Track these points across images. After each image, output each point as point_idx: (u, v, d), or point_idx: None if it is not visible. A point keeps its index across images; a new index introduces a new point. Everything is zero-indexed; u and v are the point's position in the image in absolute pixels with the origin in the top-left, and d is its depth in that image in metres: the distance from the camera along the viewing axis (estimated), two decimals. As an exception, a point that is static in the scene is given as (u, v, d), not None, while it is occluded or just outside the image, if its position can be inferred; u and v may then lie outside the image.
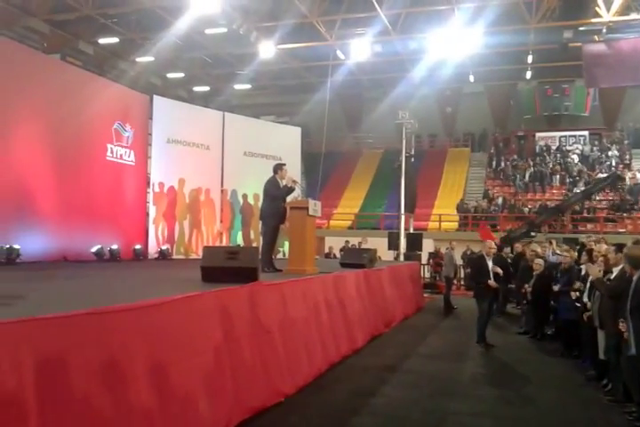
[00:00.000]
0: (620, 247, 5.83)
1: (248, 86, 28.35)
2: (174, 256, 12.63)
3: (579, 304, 7.07)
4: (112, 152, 11.60)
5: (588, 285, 6.62)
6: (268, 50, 20.63)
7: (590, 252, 7.51)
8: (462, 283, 18.22)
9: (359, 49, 20.92)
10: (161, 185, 12.59)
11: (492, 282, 8.56)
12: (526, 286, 9.52)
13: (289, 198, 8.38)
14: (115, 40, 22.47)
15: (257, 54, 21.29)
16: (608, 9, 18.27)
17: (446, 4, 18.06)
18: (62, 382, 2.92)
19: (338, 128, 27.76)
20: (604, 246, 7.58)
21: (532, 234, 16.29)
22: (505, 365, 7.78)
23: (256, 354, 4.92)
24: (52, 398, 2.84)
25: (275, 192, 8.08)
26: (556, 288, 8.25)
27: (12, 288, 5.28)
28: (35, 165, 9.80)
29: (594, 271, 6.01)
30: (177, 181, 12.86)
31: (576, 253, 8.44)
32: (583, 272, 7.54)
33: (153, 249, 12.31)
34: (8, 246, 8.78)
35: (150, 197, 12.53)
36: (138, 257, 11.72)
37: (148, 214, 12.52)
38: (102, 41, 22.57)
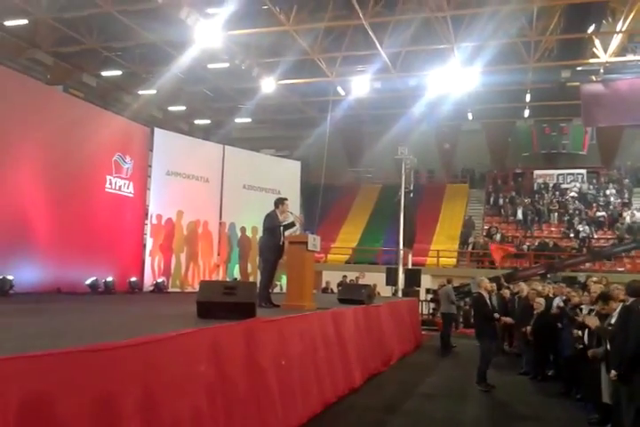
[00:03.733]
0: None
1: (249, 120, 28.64)
2: (170, 289, 12.46)
3: (581, 345, 6.93)
4: (111, 184, 11.57)
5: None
6: (269, 85, 20.91)
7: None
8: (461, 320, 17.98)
9: (359, 85, 21.21)
10: (159, 217, 12.52)
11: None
12: (528, 328, 9.37)
13: (287, 233, 8.32)
14: (118, 73, 22.81)
15: (258, 89, 21.57)
16: (605, 50, 18.62)
17: (446, 42, 18.37)
18: (50, 424, 2.79)
19: (337, 162, 27.91)
20: (600, 286, 7.49)
21: (548, 276, 15.79)
22: (506, 406, 7.60)
23: (250, 393, 4.76)
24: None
25: (270, 224, 8.03)
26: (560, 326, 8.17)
27: (3, 322, 5.14)
28: (32, 195, 9.74)
29: (592, 322, 5.92)
30: (175, 213, 12.80)
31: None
32: (584, 312, 7.43)
33: (148, 282, 12.15)
34: (1, 277, 8.63)
35: (148, 229, 12.44)
36: (133, 290, 11.55)
37: (144, 246, 12.41)
38: (105, 73, 22.91)
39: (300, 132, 28.00)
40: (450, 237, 25.35)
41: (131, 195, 12.12)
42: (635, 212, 24.42)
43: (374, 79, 21.48)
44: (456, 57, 18.82)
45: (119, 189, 11.79)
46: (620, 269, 20.60)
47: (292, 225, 8.27)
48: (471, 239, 24.43)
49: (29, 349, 2.90)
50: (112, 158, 11.59)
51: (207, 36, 16.56)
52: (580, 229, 23.62)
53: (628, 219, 23.80)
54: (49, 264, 9.82)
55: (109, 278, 10.90)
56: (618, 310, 5.58)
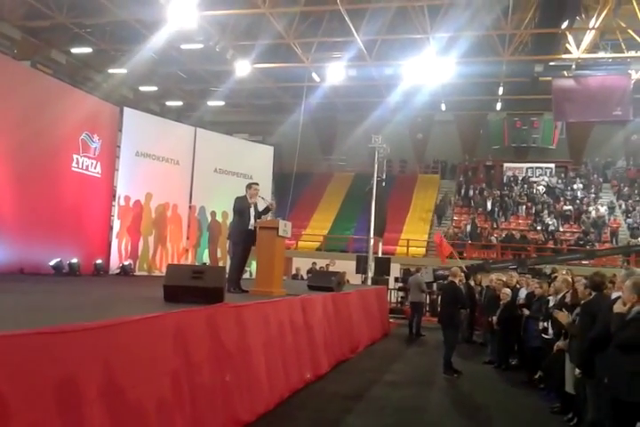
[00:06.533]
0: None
1: (222, 103, 28.26)
2: (137, 272, 12.25)
3: (546, 336, 7.03)
4: (78, 163, 11.25)
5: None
6: (243, 68, 20.61)
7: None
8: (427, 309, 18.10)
9: (334, 72, 21.07)
10: (127, 199, 12.26)
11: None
12: (494, 317, 9.49)
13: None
14: (88, 50, 22.21)
15: (232, 72, 21.26)
16: (578, 46, 18.83)
17: (421, 32, 18.34)
18: (5, 408, 2.68)
19: (310, 150, 27.78)
20: (565, 277, 7.63)
21: (519, 271, 15.45)
22: (470, 394, 7.69)
23: (216, 379, 4.70)
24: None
25: (240, 206, 7.97)
26: (527, 312, 8.29)
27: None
28: (-5, 172, 9.43)
29: (563, 318, 5.97)
30: (144, 196, 12.54)
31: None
32: (551, 304, 7.54)
33: (115, 264, 11.92)
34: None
35: (115, 211, 12.18)
36: (98, 272, 11.31)
37: (111, 228, 12.15)
38: (75, 50, 22.29)
39: (273, 118, 27.78)
40: (420, 227, 25.53)
41: (98, 175, 11.82)
42: (599, 207, 24.90)
43: (349, 66, 21.37)
44: (431, 47, 18.81)
45: (86, 169, 11.48)
46: (584, 263, 20.95)
47: (266, 211, 8.20)
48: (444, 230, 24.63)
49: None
50: (79, 137, 11.27)
51: (181, 16, 16.18)
52: (550, 222, 23.99)
53: (593, 213, 24.26)
54: (12, 244, 9.53)
55: (74, 260, 10.65)
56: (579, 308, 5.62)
